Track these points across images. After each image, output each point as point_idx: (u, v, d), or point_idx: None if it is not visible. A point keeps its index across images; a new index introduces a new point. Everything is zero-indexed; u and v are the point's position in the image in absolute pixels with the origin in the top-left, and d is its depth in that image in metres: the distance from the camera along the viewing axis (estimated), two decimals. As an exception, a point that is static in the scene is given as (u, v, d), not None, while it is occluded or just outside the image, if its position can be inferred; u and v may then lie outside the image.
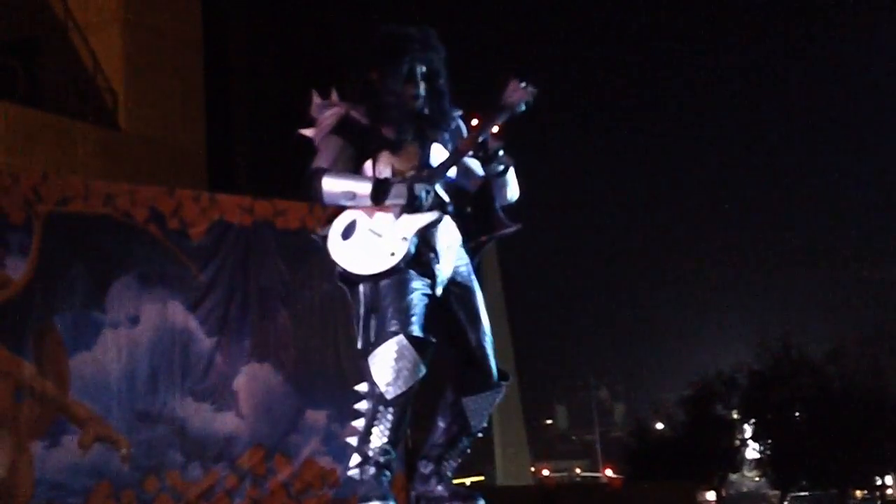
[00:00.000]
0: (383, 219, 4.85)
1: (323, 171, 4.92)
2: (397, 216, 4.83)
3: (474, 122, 5.14)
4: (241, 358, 10.82)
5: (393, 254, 4.80)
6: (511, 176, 5.11)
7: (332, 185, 4.88)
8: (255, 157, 23.26)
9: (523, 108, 4.91)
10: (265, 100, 23.60)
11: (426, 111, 5.05)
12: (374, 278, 4.84)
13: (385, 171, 4.94)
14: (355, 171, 4.98)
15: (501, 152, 5.03)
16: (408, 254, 4.79)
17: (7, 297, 9.74)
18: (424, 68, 5.02)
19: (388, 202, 4.82)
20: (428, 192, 4.81)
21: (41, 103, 16.56)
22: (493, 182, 5.07)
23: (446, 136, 5.09)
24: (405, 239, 4.80)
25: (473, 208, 5.11)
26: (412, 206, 4.81)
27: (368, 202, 4.84)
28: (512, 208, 5.22)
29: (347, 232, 4.91)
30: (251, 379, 10.84)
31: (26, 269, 9.85)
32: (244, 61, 23.54)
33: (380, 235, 4.84)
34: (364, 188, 4.84)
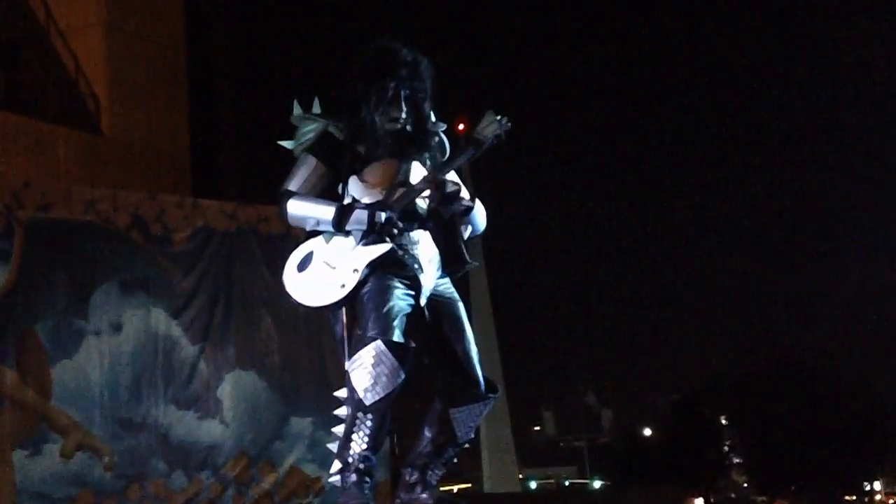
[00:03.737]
0: (339, 250, 4.86)
1: (290, 195, 4.95)
2: (358, 241, 4.81)
3: (461, 126, 5.12)
4: (225, 365, 10.78)
5: (343, 286, 4.81)
6: (476, 212, 5.07)
7: (297, 209, 4.93)
8: (240, 163, 23.20)
9: (495, 142, 4.89)
10: (250, 104, 23.57)
11: (407, 129, 5.02)
12: (325, 310, 4.89)
13: (358, 192, 4.91)
14: (329, 190, 4.96)
15: (464, 192, 5.00)
16: (358, 285, 4.78)
17: (-12, 304, 9.68)
18: (408, 92, 4.98)
19: (348, 227, 4.83)
20: (389, 219, 4.78)
21: (22, 108, 16.48)
22: (455, 219, 5.05)
23: (426, 154, 5.06)
24: (356, 271, 4.80)
25: (439, 241, 5.07)
26: (372, 232, 4.79)
27: (331, 228, 4.85)
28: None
29: (303, 264, 4.91)
30: (235, 386, 10.79)
31: (7, 276, 9.80)
32: (228, 66, 23.47)
33: (333, 268, 4.85)
34: (327, 214, 4.86)
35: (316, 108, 5.13)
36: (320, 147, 5.02)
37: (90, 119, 17.25)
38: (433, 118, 5.13)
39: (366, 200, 4.88)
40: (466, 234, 5.11)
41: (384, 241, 4.81)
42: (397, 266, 4.84)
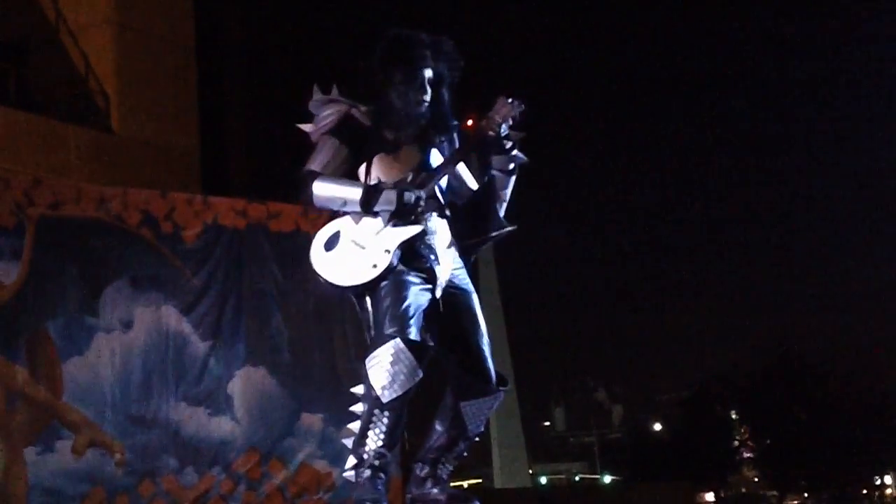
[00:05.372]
0: (367, 230, 4.86)
1: (315, 175, 4.95)
2: (386, 222, 4.80)
3: (469, 122, 5.13)
4: (235, 362, 10.77)
5: (375, 265, 4.81)
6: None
7: (323, 190, 4.91)
8: (250, 160, 23.21)
9: (510, 123, 4.93)
10: (259, 102, 23.56)
11: (429, 116, 5.05)
12: (355, 289, 4.86)
13: (380, 175, 4.92)
14: (350, 172, 4.97)
15: (516, 152, 5.06)
16: (390, 265, 4.79)
17: (-1, 302, 9.70)
18: (431, 74, 4.99)
19: (377, 208, 4.82)
20: (418, 199, 4.78)
21: (33, 106, 16.50)
22: (498, 181, 5.07)
23: (445, 144, 5.08)
24: (388, 251, 4.81)
25: (470, 210, 5.07)
26: (401, 212, 4.78)
27: (358, 208, 4.83)
28: (508, 209, 5.20)
29: (331, 243, 4.92)
30: (246, 383, 10.79)
31: (18, 274, 9.81)
32: (238, 63, 23.49)
33: (363, 247, 4.85)
34: (355, 194, 4.85)
35: (334, 95, 5.12)
36: (343, 130, 5.03)
37: (100, 117, 17.28)
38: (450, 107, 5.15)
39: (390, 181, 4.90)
40: (505, 197, 5.14)
41: (413, 223, 4.82)
42: (415, 258, 4.85)
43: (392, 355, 4.66)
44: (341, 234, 4.90)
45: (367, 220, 4.86)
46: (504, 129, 4.93)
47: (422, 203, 4.82)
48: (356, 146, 5.00)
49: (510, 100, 4.92)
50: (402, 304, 4.76)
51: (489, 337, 5.07)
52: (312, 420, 10.99)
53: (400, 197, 4.79)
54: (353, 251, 4.84)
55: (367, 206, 4.82)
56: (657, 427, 45.98)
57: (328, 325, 10.93)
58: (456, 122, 5.17)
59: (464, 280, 5.04)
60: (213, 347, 10.68)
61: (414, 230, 4.82)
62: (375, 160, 4.97)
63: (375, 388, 4.68)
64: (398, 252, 4.80)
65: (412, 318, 4.75)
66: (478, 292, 5.17)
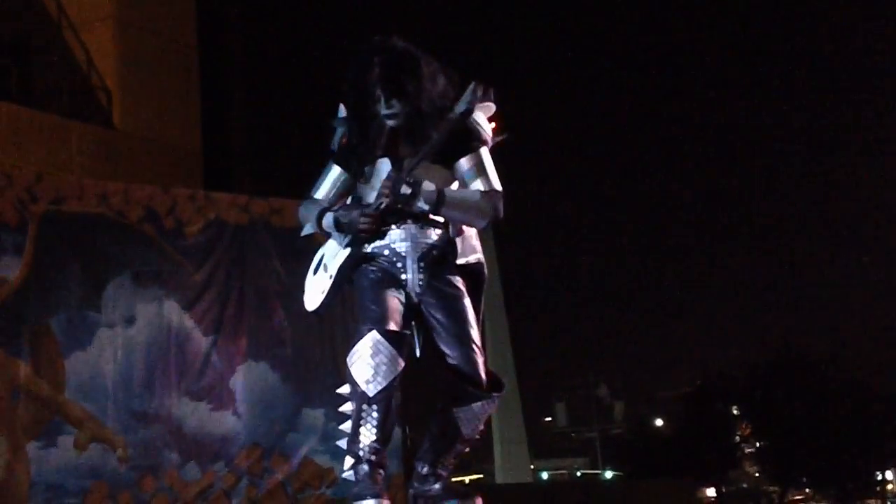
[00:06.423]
0: (332, 253, 4.94)
1: (306, 199, 5.03)
2: (340, 245, 4.86)
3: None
4: (237, 357, 10.81)
5: (322, 291, 4.91)
6: (459, 209, 4.85)
7: (300, 213, 5.04)
8: (252, 157, 23.20)
9: (466, 115, 4.75)
10: (262, 98, 23.56)
11: (406, 128, 4.86)
12: (315, 313, 5.01)
13: (359, 193, 4.91)
14: (347, 194, 4.98)
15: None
16: (331, 291, 4.88)
17: (2, 298, 9.74)
18: (390, 87, 4.80)
19: (325, 229, 4.88)
20: (351, 220, 4.76)
21: (35, 102, 16.49)
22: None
23: (427, 148, 4.83)
24: (331, 277, 4.88)
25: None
26: (344, 233, 4.82)
27: (319, 230, 4.93)
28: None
29: (316, 268, 5.02)
30: (248, 378, 10.82)
31: (21, 270, 9.84)
32: (240, 60, 23.47)
33: (326, 271, 4.94)
34: (312, 217, 4.92)
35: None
36: (337, 151, 5.03)
37: (102, 113, 17.26)
38: (435, 107, 4.93)
39: (367, 202, 4.86)
40: (463, 225, 5.01)
41: (358, 244, 4.82)
42: (382, 263, 4.85)
43: (371, 347, 4.64)
44: (323, 258, 4.98)
45: (334, 243, 4.93)
46: (459, 116, 4.72)
47: (359, 222, 4.76)
48: (347, 166, 5.00)
49: (478, 91, 4.72)
50: (377, 298, 4.76)
51: (489, 335, 5.03)
52: (314, 415, 11.02)
53: (336, 220, 4.81)
54: (321, 275, 4.95)
55: (320, 228, 4.89)
56: (659, 423, 46.00)
57: (330, 321, 10.94)
58: (462, 110, 4.94)
59: (447, 284, 4.92)
60: (215, 343, 10.72)
61: (344, 254, 4.83)
62: (356, 181, 4.97)
63: (360, 383, 4.68)
64: (338, 277, 4.85)
65: (388, 311, 4.73)
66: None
